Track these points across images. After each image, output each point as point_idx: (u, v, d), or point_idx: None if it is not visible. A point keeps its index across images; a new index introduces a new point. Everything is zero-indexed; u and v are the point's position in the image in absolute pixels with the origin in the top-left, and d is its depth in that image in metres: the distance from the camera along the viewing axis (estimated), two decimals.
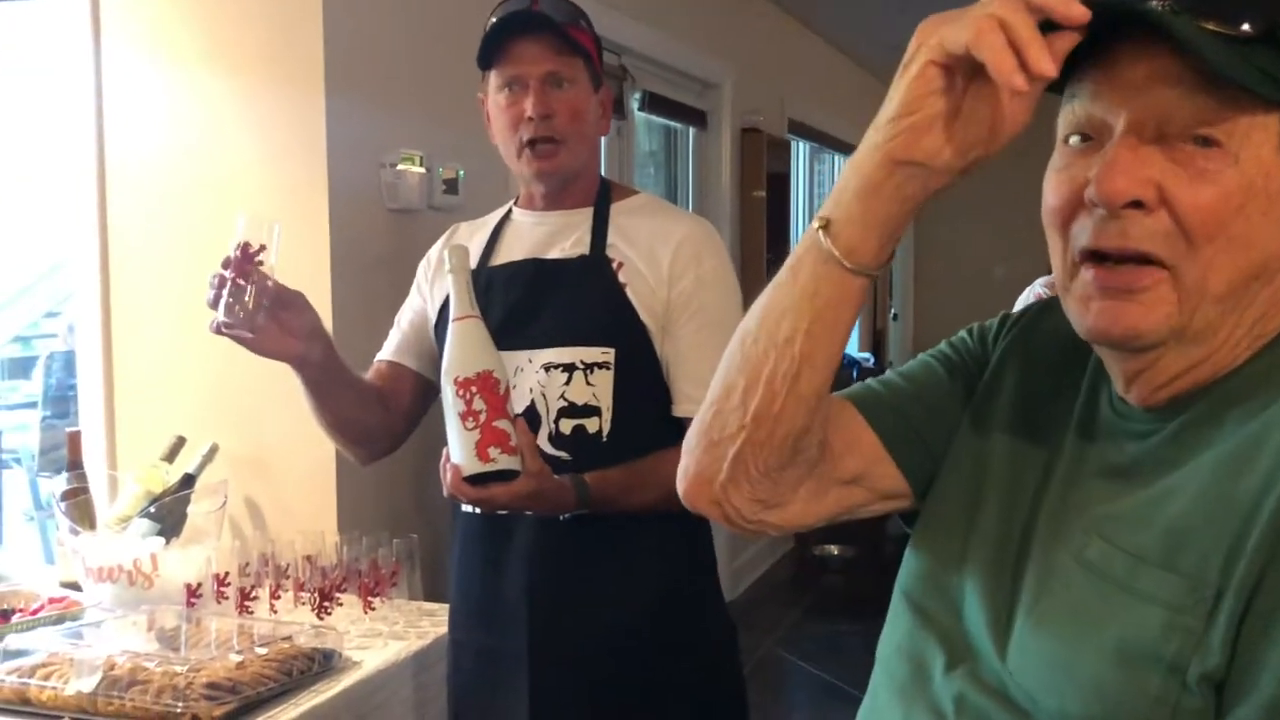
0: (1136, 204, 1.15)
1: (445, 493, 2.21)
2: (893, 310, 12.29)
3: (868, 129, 1.23)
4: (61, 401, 6.07)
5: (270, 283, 2.23)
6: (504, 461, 2.13)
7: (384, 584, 2.75)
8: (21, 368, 7.30)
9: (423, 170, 3.41)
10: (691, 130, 6.79)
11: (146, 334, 3.34)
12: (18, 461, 6.52)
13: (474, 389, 2.12)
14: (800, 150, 9.02)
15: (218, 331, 2.21)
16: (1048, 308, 1.38)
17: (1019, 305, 4.01)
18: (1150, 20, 1.12)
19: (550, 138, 2.42)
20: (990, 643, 1.26)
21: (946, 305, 12.74)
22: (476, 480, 2.14)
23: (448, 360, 2.16)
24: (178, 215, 3.28)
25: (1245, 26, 1.11)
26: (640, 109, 5.77)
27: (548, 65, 2.41)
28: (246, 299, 2.20)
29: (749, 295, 5.29)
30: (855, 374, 8.57)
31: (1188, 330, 1.18)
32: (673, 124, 6.68)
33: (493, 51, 2.45)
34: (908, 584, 1.41)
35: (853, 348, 10.14)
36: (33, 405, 6.41)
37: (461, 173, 3.57)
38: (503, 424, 2.13)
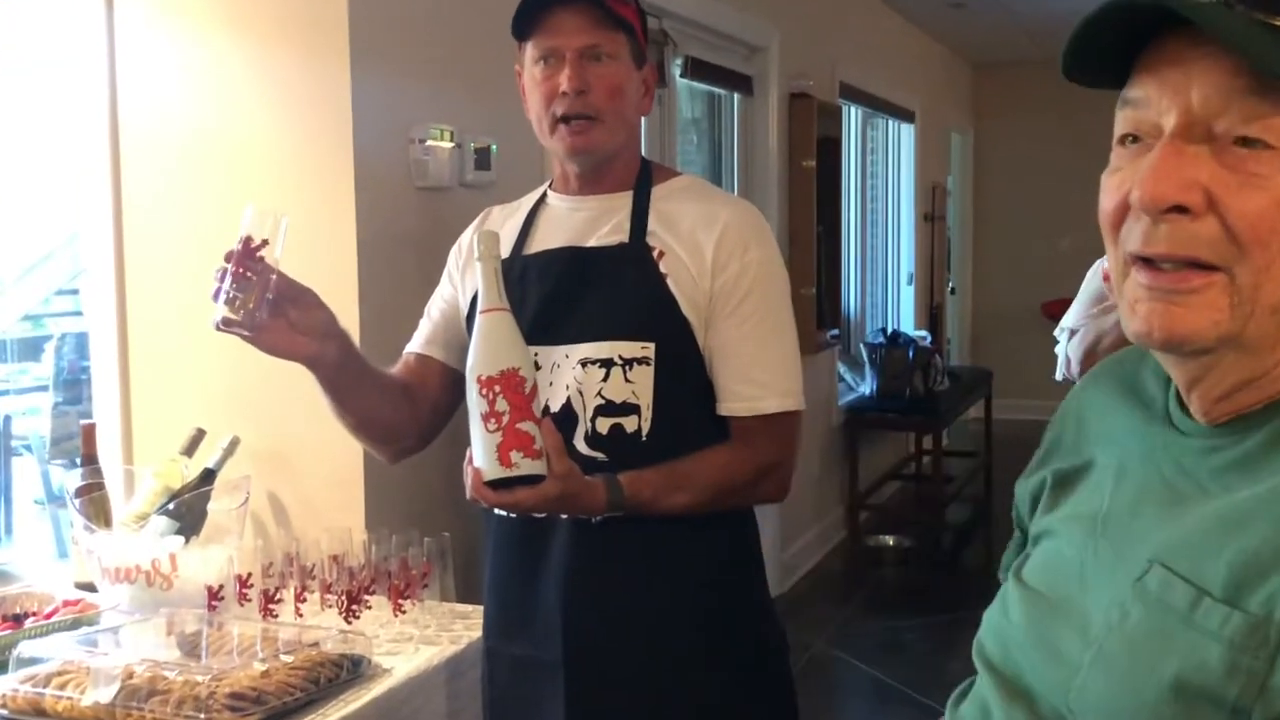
0: (1181, 209, 1.14)
1: (468, 496, 2.20)
2: (950, 284, 12.24)
3: None
4: (73, 385, 6.08)
5: (273, 277, 2.21)
6: (526, 466, 2.11)
7: (415, 585, 2.76)
8: (31, 348, 7.32)
9: (454, 145, 3.40)
10: (736, 97, 6.77)
11: (163, 319, 3.36)
12: (28, 449, 6.55)
13: (497, 388, 2.10)
14: (852, 115, 8.97)
15: (219, 329, 2.20)
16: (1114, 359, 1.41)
17: (1086, 282, 3.98)
18: (1191, 16, 1.11)
19: (585, 114, 2.41)
20: (1050, 677, 1.26)
21: (1007, 279, 12.70)
22: (498, 485, 2.13)
23: (472, 356, 2.15)
24: (194, 193, 3.29)
25: None
26: (682, 75, 5.75)
27: (586, 38, 2.39)
28: (247, 294, 2.18)
29: (797, 273, 5.31)
30: (911, 354, 8.53)
31: (1242, 339, 1.17)
32: (717, 90, 6.65)
33: (528, 22, 2.43)
34: (979, 635, 1.42)
35: (909, 325, 10.10)
36: (43, 389, 6.43)
37: (494, 146, 3.56)
38: (526, 426, 2.11)
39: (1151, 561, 1.19)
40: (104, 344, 3.45)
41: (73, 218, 3.81)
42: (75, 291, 6.39)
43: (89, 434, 3.10)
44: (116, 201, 3.38)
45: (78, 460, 3.11)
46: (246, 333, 2.20)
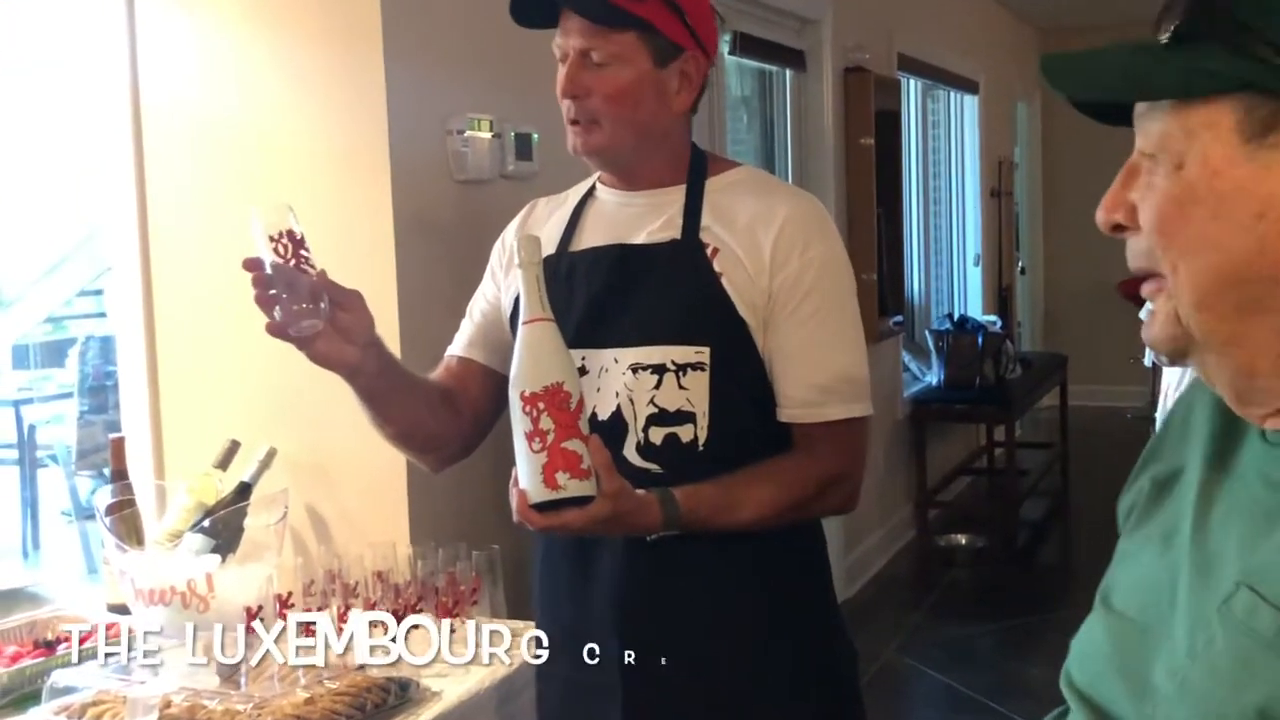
0: (1122, 227, 1.29)
1: (514, 519, 2.20)
2: (1020, 264, 12.17)
3: None
4: (99, 392, 6.14)
5: (321, 278, 2.21)
6: (574, 488, 2.11)
7: (464, 602, 2.75)
8: (55, 352, 7.37)
9: (493, 136, 3.41)
10: (788, 73, 6.75)
11: (193, 321, 3.37)
12: (54, 459, 6.61)
13: (541, 405, 2.09)
14: (912, 88, 8.93)
15: (282, 335, 2.19)
16: None
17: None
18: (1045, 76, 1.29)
19: (581, 119, 2.40)
20: (1138, 708, 1.26)
21: (1081, 256, 12.58)
22: (545, 508, 2.13)
23: (514, 370, 2.14)
24: (222, 187, 3.30)
25: (1163, 37, 1.23)
26: (730, 52, 5.73)
27: (582, 41, 2.36)
28: (304, 295, 2.18)
29: (857, 257, 5.29)
30: (980, 340, 8.48)
31: (1195, 340, 1.25)
32: (767, 67, 6.64)
33: (534, 12, 2.43)
34: (1067, 663, 1.43)
35: (976, 309, 10.05)
36: (68, 396, 6.49)
37: (536, 135, 3.56)
38: (573, 445, 2.10)
39: (1239, 583, 1.18)
40: (131, 350, 3.45)
41: (94, 214, 3.83)
42: (99, 292, 6.45)
43: (118, 448, 3.11)
44: (140, 197, 3.39)
45: (105, 472, 3.13)
46: (319, 325, 2.20)
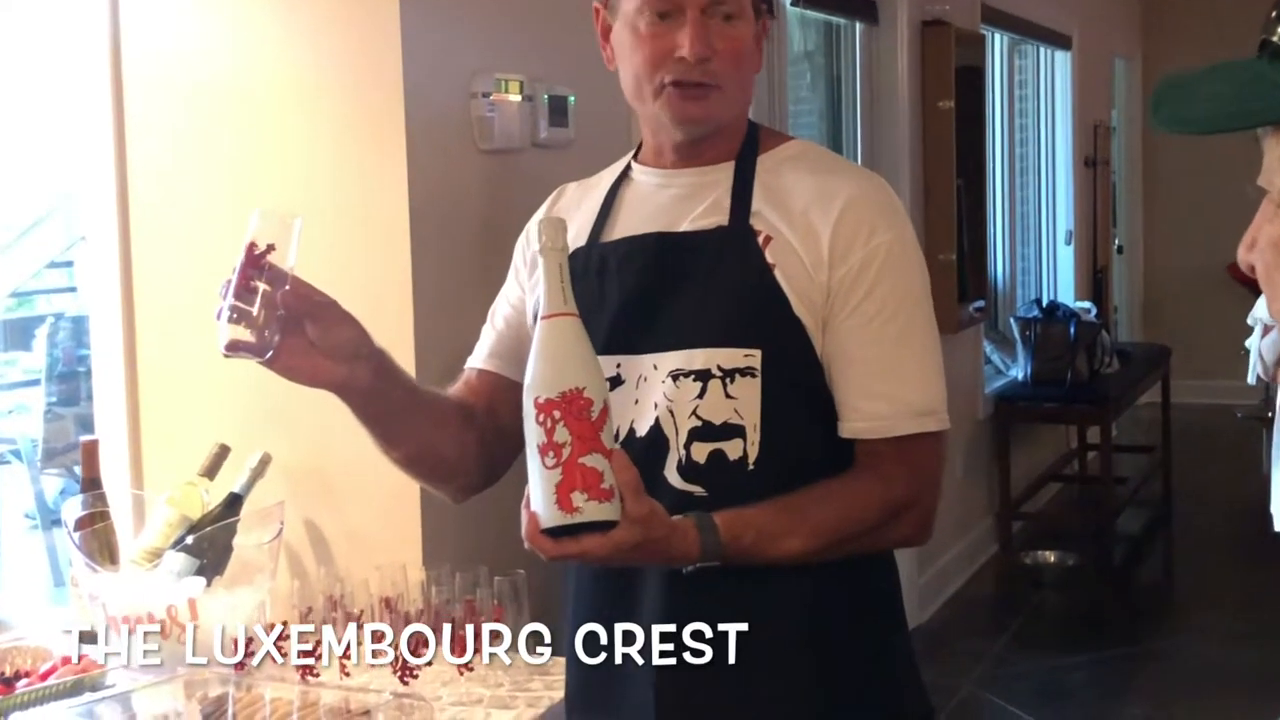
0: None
1: (525, 545, 2.15)
2: (1117, 242, 12.12)
3: None
4: (69, 379, 6.15)
5: (284, 290, 2.18)
6: (591, 511, 2.04)
7: (483, 635, 2.74)
8: (20, 332, 7.37)
9: (524, 99, 3.39)
10: (858, 26, 6.74)
11: (177, 307, 3.35)
12: (16, 455, 6.60)
13: (556, 414, 2.03)
14: (997, 44, 8.89)
15: (226, 354, 2.17)
16: None
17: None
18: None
19: (704, 82, 2.35)
20: None
21: (1186, 234, 12.54)
22: (560, 533, 2.08)
23: (528, 374, 2.09)
24: (212, 152, 3.29)
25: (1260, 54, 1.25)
26: (793, 4, 5.71)
27: None
28: (256, 311, 2.15)
29: (934, 235, 5.24)
30: (1072, 329, 8.44)
31: None
32: (834, 19, 6.63)
33: None
34: None
35: (1068, 294, 10.00)
36: (35, 383, 6.49)
37: (572, 98, 3.53)
38: (593, 460, 2.04)
39: None
40: (106, 334, 3.44)
41: (67, 176, 3.81)
42: (70, 264, 6.44)
43: (90, 452, 3.09)
44: (120, 159, 3.38)
45: (75, 469, 3.11)
46: (257, 357, 2.17)
